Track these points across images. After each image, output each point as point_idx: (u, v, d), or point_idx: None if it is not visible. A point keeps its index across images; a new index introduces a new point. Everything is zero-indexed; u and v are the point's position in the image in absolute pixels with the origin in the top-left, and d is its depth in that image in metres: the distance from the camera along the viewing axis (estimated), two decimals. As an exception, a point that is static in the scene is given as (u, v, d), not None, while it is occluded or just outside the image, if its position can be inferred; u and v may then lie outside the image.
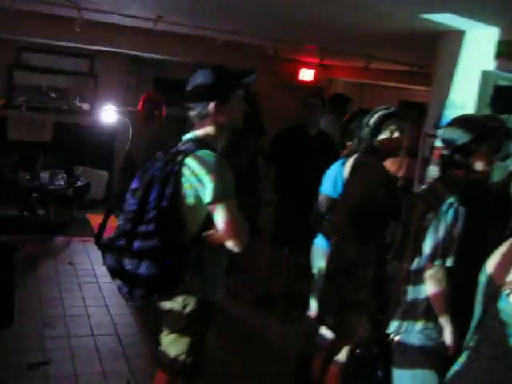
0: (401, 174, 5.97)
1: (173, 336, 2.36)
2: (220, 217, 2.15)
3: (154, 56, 7.52)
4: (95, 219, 5.87)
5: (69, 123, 7.49)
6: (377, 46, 5.73)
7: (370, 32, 4.86)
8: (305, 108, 4.85)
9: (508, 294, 1.55)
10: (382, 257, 2.82)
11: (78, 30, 5.38)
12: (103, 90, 7.78)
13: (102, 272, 4.84)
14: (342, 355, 2.98)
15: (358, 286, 2.83)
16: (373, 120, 3.07)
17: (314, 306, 3.23)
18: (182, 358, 2.34)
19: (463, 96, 4.01)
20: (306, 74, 8.62)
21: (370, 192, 2.87)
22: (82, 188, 6.85)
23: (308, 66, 8.59)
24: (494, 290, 1.66)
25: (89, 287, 4.92)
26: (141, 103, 5.43)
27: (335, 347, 3.06)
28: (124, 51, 7.33)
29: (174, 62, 7.59)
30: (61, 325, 4.13)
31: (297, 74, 8.69)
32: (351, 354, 3.00)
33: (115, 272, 2.28)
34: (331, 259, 3.01)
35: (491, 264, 1.74)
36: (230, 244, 2.19)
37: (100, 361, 3.66)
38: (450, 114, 3.86)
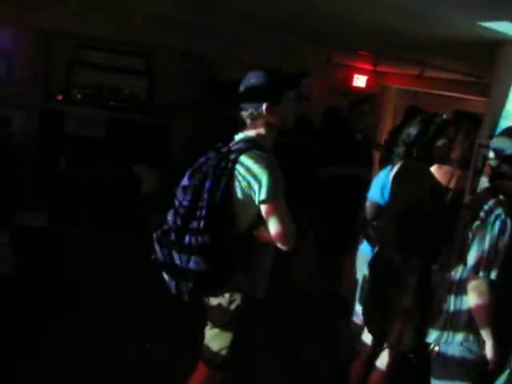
0: (452, 185, 5.85)
1: (216, 330, 2.41)
2: (270, 215, 2.20)
3: (209, 55, 7.65)
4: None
5: (124, 119, 7.66)
6: (432, 53, 5.65)
7: (426, 39, 4.79)
8: (353, 113, 4.82)
9: None
10: (428, 266, 2.79)
11: (137, 23, 5.50)
12: (159, 87, 7.95)
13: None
14: (383, 362, 2.94)
15: (401, 294, 2.79)
16: (418, 127, 3.04)
17: (358, 312, 3.23)
18: (223, 352, 2.39)
19: (520, 107, 3.91)
20: (360, 80, 8.57)
21: (415, 198, 2.82)
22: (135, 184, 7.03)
23: (361, 72, 8.55)
24: None
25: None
26: None
27: (375, 354, 3.04)
28: (179, 49, 7.48)
29: (229, 62, 7.68)
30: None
31: (350, 79, 8.65)
32: (394, 363, 2.98)
33: (164, 266, 2.35)
34: (375, 266, 2.99)
35: None
36: (278, 242, 2.23)
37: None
38: (506, 124, 3.78)
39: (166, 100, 7.86)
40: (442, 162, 2.92)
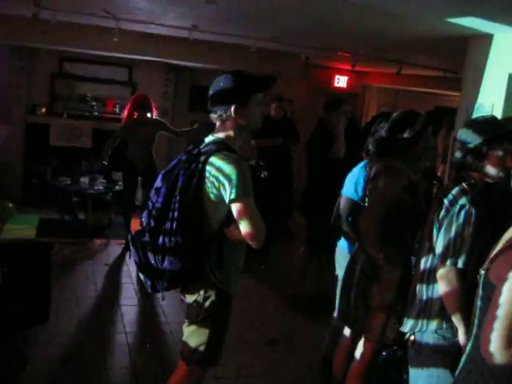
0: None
1: (193, 327, 2.47)
2: (240, 213, 2.26)
3: (190, 64, 7.73)
4: (133, 223, 6.04)
5: (108, 130, 7.72)
6: (408, 51, 5.75)
7: (400, 37, 4.89)
8: (336, 112, 4.83)
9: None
10: (408, 259, 2.85)
11: (115, 39, 5.59)
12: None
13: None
14: (363, 353, 2.99)
15: (384, 288, 2.84)
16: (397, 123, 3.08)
17: (338, 308, 3.29)
18: (201, 348, 2.45)
19: (491, 99, 4.00)
20: (341, 81, 8.67)
21: (396, 196, 2.86)
22: (120, 193, 7.05)
23: (341, 72, 8.65)
24: (491, 287, 1.70)
25: (123, 287, 5.07)
26: (129, 108, 5.78)
27: (355, 345, 3.10)
28: (161, 60, 7.55)
29: (210, 70, 7.76)
30: (93, 323, 4.30)
31: (331, 80, 8.75)
32: (375, 355, 3.03)
33: (140, 266, 2.42)
34: (356, 262, 3.04)
35: (490, 265, 1.78)
36: (248, 240, 2.29)
37: (130, 356, 3.79)
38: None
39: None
40: (408, 156, 2.94)
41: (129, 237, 2.46)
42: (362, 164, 3.25)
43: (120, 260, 5.85)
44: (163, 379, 3.48)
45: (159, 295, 2.48)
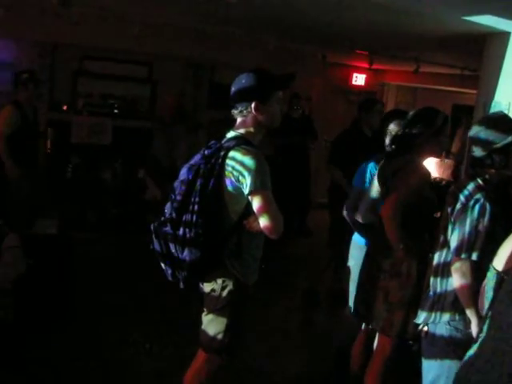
0: (445, 176, 5.92)
1: (211, 316, 2.55)
2: (258, 205, 2.34)
3: (208, 61, 7.81)
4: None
5: (128, 127, 7.83)
6: (425, 49, 5.77)
7: (417, 35, 4.92)
8: (370, 112, 4.87)
9: None
10: (426, 255, 2.88)
11: (136, 30, 5.67)
12: (162, 95, 8.12)
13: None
14: (383, 349, 3.03)
15: (404, 285, 2.88)
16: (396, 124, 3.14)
17: (354, 305, 3.34)
18: (219, 336, 2.52)
19: (508, 97, 4.02)
20: (358, 79, 8.69)
21: (418, 191, 2.90)
22: (141, 190, 7.18)
23: (359, 70, 8.66)
24: (501, 277, 1.75)
25: (145, 278, 5.14)
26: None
27: (371, 339, 3.14)
28: (181, 56, 7.65)
29: (229, 68, 7.83)
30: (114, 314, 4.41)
31: (349, 78, 8.78)
32: (395, 352, 3.07)
33: (161, 255, 2.51)
34: (373, 260, 3.07)
35: (499, 262, 1.82)
36: (266, 231, 2.37)
37: (150, 345, 3.88)
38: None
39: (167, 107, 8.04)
40: (424, 152, 2.97)
41: (151, 227, 2.54)
42: (372, 160, 3.32)
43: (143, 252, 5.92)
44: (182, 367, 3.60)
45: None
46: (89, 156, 7.46)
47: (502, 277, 1.71)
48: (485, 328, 1.83)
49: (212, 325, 2.55)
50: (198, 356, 2.65)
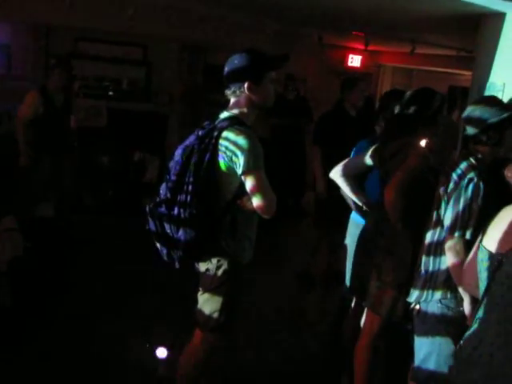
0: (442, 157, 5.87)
1: (207, 295, 2.59)
2: (251, 185, 2.37)
3: (204, 43, 7.77)
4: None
5: (123, 109, 7.81)
6: (421, 30, 5.75)
7: (413, 16, 4.90)
8: (352, 90, 4.84)
9: None
10: (423, 236, 2.89)
11: (130, 11, 5.64)
12: (156, 77, 8.10)
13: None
14: (371, 326, 3.08)
15: (398, 265, 2.90)
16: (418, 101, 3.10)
17: (349, 281, 3.38)
18: (215, 315, 2.56)
19: (503, 78, 4.01)
20: (354, 60, 8.66)
21: (418, 172, 2.90)
22: (137, 172, 7.19)
23: (355, 52, 8.64)
24: (498, 260, 1.76)
25: (142, 261, 5.16)
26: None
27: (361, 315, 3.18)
28: (175, 38, 7.60)
29: (224, 50, 7.78)
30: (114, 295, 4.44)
31: (345, 60, 8.75)
32: (383, 330, 3.11)
33: (156, 235, 2.54)
34: (370, 237, 3.09)
35: (491, 242, 1.84)
36: (259, 211, 2.40)
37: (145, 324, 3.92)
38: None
39: (163, 88, 8.02)
40: (421, 133, 2.96)
41: (147, 208, 2.56)
42: (369, 139, 3.33)
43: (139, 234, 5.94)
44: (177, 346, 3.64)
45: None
46: (85, 139, 7.44)
47: (500, 259, 1.72)
48: (482, 309, 1.84)
49: (208, 304, 2.58)
50: (195, 336, 2.68)
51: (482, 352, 1.75)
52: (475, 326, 1.87)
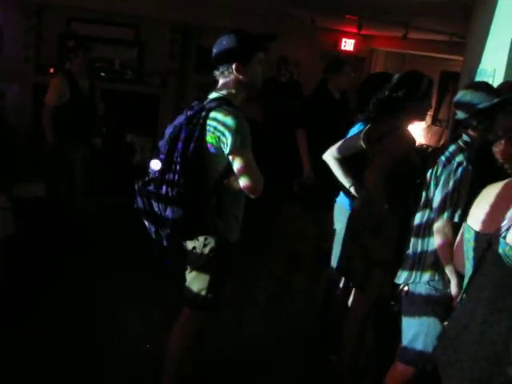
0: (432, 143, 5.95)
1: (194, 273, 2.63)
2: (238, 165, 2.40)
3: (196, 24, 7.74)
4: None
5: (115, 90, 7.77)
6: (414, 15, 5.76)
7: (405, 1, 4.92)
8: (338, 73, 4.81)
9: (504, 237, 1.66)
10: (410, 217, 2.94)
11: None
12: (149, 58, 8.07)
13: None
14: (359, 306, 3.14)
15: (385, 245, 2.95)
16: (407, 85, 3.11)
17: (337, 261, 3.44)
18: (203, 293, 2.60)
19: (493, 64, 4.04)
20: (347, 44, 8.65)
21: (404, 156, 2.94)
22: (129, 154, 7.19)
23: (348, 36, 8.62)
24: (487, 240, 1.80)
25: (137, 243, 5.18)
26: None
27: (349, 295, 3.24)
28: (168, 20, 7.57)
29: (217, 31, 7.74)
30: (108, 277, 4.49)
31: (338, 44, 8.73)
32: (370, 309, 3.18)
33: (144, 213, 2.58)
34: (359, 217, 3.13)
35: (476, 221, 1.87)
36: (245, 190, 2.44)
37: (140, 308, 3.97)
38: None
39: (155, 70, 8.00)
40: (408, 116, 3.00)
41: (136, 186, 2.59)
42: (359, 125, 3.36)
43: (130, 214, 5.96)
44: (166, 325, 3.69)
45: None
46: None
47: (489, 239, 1.74)
48: (470, 288, 1.86)
49: (195, 282, 2.62)
50: (183, 314, 2.73)
51: (472, 330, 1.78)
52: (463, 305, 1.91)
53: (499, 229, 1.71)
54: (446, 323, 2.03)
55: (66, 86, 4.86)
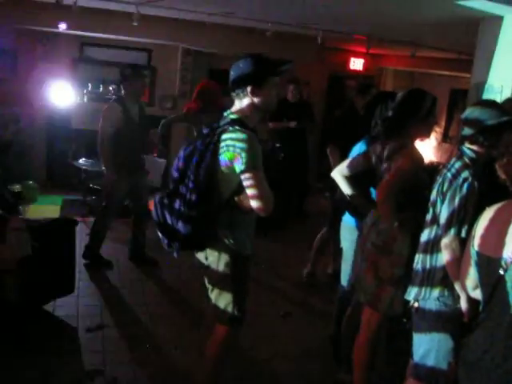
0: (443, 160, 5.95)
1: (217, 290, 2.70)
2: (249, 184, 2.48)
3: (207, 49, 7.88)
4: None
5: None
6: (421, 33, 5.81)
7: (413, 20, 4.97)
8: (365, 95, 4.92)
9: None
10: (420, 234, 2.95)
11: (135, 24, 5.73)
12: (161, 81, 8.20)
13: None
14: (370, 324, 3.13)
15: (395, 263, 2.95)
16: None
17: (346, 279, 3.45)
18: (229, 308, 2.68)
19: (501, 80, 4.09)
20: (356, 64, 8.73)
21: (413, 175, 2.96)
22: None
23: (357, 55, 8.70)
24: (496, 265, 1.82)
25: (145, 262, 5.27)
26: (195, 95, 5.40)
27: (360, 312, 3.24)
28: (179, 44, 7.71)
29: (228, 53, 7.88)
30: (116, 294, 4.55)
31: (347, 63, 8.81)
32: (382, 327, 3.17)
33: (158, 225, 2.67)
34: (368, 235, 3.12)
35: (480, 241, 1.92)
36: (257, 208, 2.50)
37: (152, 325, 4.02)
38: (489, 98, 3.94)
39: (167, 93, 8.13)
40: (414, 135, 3.02)
41: (154, 200, 2.69)
42: (362, 141, 3.40)
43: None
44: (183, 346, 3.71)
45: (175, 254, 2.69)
46: (89, 141, 7.53)
47: (505, 265, 1.77)
48: (489, 312, 1.88)
49: (220, 298, 2.69)
50: (215, 331, 2.78)
51: (493, 355, 1.79)
52: (482, 329, 1.92)
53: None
54: (466, 346, 2.00)
55: (120, 113, 4.84)
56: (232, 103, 2.69)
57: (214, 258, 2.65)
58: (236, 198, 2.57)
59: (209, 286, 2.75)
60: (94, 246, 5.06)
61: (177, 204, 2.56)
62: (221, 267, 2.64)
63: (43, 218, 4.55)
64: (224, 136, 2.50)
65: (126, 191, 5.02)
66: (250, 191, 2.48)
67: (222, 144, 2.49)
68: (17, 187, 6.58)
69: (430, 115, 3.00)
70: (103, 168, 5.05)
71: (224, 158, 2.49)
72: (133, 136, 4.86)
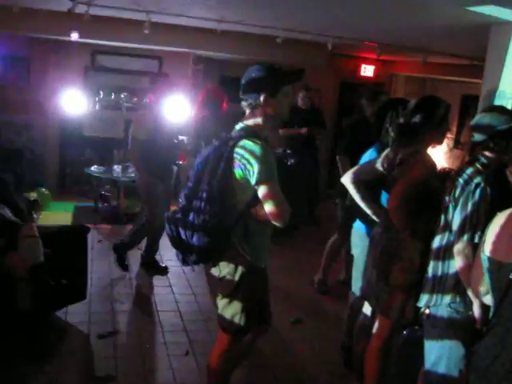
0: (454, 166, 5.92)
1: (226, 300, 2.67)
2: (265, 195, 2.45)
3: (218, 55, 7.91)
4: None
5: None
6: (432, 40, 5.80)
7: (423, 26, 4.96)
8: (374, 102, 4.90)
9: None
10: (431, 241, 2.94)
11: (146, 31, 5.77)
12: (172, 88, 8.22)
13: (168, 257, 5.26)
14: (381, 331, 3.12)
15: (406, 269, 2.94)
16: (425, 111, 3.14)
17: (357, 286, 3.44)
18: (236, 319, 2.65)
19: (512, 86, 4.07)
20: (367, 70, 8.71)
21: (425, 181, 2.95)
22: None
23: (368, 62, 8.69)
24: (507, 270, 1.81)
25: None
26: (201, 104, 5.52)
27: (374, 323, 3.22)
28: (190, 51, 7.75)
29: (239, 60, 7.92)
30: (128, 301, 4.56)
31: (357, 70, 8.80)
32: (394, 334, 3.16)
33: (172, 240, 2.65)
34: (378, 242, 3.13)
35: (491, 246, 1.92)
36: (272, 219, 2.48)
37: (163, 333, 4.02)
38: (500, 104, 3.92)
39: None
40: (427, 141, 3.02)
41: (166, 214, 2.67)
42: (373, 148, 3.40)
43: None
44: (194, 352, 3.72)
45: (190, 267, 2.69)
46: (101, 149, 7.60)
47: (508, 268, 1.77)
48: (498, 318, 1.88)
49: (228, 308, 2.67)
50: (219, 339, 2.77)
51: (504, 361, 1.78)
52: (492, 335, 1.91)
53: None
54: (477, 352, 1.99)
55: (152, 120, 4.89)
56: (243, 111, 2.68)
57: (229, 270, 2.62)
58: (252, 209, 2.55)
59: (219, 295, 2.74)
60: (148, 250, 5.17)
61: (190, 217, 2.54)
62: (236, 278, 2.61)
63: (55, 225, 4.56)
64: (237, 146, 2.49)
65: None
66: (265, 202, 2.46)
67: (236, 155, 2.48)
68: (32, 195, 6.63)
69: (443, 122, 2.99)
70: (136, 173, 5.17)
71: (238, 169, 2.47)
72: (162, 144, 4.91)
